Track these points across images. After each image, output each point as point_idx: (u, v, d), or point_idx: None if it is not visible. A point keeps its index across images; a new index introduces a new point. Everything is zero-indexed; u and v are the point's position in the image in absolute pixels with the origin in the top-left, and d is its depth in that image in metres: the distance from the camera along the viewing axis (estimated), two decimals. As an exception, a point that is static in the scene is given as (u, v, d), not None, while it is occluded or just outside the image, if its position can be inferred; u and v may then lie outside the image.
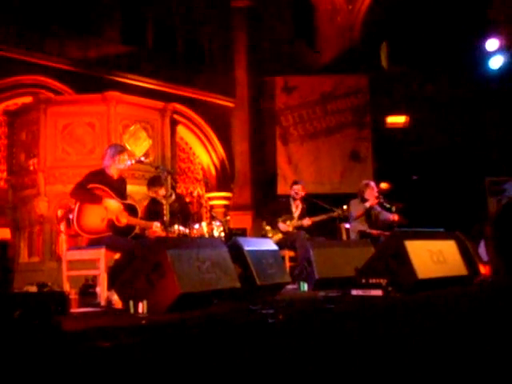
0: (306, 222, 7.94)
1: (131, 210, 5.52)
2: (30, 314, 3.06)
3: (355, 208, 8.14)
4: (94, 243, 5.31)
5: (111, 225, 5.35)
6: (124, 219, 5.42)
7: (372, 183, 8.41)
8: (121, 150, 5.76)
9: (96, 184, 5.40)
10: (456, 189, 12.53)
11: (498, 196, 10.34)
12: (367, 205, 8.06)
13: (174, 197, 7.25)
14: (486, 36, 11.28)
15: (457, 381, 2.07)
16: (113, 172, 5.61)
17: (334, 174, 13.60)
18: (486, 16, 12.51)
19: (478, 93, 13.19)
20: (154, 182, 6.97)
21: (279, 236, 7.75)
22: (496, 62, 11.10)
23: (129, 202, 5.64)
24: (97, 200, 5.31)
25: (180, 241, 5.50)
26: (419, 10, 14.12)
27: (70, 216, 5.31)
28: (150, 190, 7.00)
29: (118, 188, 5.58)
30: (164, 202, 6.42)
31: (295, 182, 8.41)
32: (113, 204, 5.37)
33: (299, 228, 7.93)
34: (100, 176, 5.53)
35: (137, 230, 7.11)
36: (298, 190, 8.10)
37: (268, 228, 7.88)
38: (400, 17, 14.42)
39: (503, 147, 12.85)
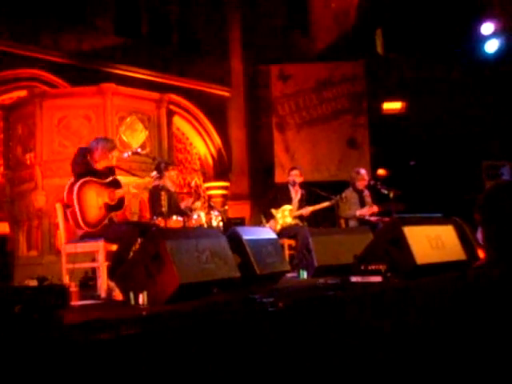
0: (305, 211, 7.95)
1: (115, 184, 5.52)
2: (31, 308, 3.07)
3: (352, 203, 8.12)
4: (90, 235, 5.31)
5: (107, 207, 5.38)
6: (114, 196, 5.44)
7: (362, 171, 8.39)
8: (114, 146, 5.65)
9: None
10: (453, 173, 12.54)
11: (495, 180, 10.35)
12: (364, 212, 8.06)
13: (173, 189, 7.30)
14: (481, 20, 11.23)
15: (455, 366, 2.09)
16: (99, 166, 5.48)
17: (331, 162, 13.58)
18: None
19: (474, 77, 13.16)
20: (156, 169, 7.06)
21: (278, 227, 7.74)
22: (492, 46, 11.07)
23: (108, 179, 5.53)
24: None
25: (179, 231, 5.51)
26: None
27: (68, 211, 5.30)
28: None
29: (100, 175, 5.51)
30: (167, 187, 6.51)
31: (292, 168, 8.42)
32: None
33: (299, 218, 7.95)
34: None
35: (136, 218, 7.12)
36: (296, 176, 8.11)
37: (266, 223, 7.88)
38: (395, 2, 14.35)
39: (500, 131, 12.84)
